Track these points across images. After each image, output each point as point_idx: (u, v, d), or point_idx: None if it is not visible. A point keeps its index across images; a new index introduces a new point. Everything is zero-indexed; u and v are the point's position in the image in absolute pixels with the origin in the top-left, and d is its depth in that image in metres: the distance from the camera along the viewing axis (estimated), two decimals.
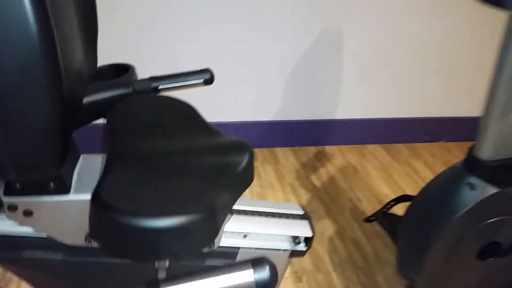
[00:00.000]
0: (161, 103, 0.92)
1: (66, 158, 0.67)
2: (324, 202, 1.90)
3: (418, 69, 2.21)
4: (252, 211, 0.93)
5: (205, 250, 0.83)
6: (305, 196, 1.91)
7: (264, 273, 0.58)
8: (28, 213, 0.68)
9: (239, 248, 0.89)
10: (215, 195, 0.67)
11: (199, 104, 1.99)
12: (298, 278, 1.51)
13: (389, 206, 1.73)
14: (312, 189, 1.96)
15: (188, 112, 0.91)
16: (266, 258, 0.60)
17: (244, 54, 2.00)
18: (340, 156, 2.25)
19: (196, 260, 0.86)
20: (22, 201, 0.67)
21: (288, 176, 2.04)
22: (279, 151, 2.23)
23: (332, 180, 2.04)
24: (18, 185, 0.65)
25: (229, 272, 0.57)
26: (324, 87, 2.17)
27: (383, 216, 1.70)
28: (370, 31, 2.06)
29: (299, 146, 2.29)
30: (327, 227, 1.76)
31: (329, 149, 2.30)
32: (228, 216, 0.88)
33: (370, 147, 2.35)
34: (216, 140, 0.82)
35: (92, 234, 0.67)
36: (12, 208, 0.67)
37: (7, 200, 0.67)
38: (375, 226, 1.76)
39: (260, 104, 2.14)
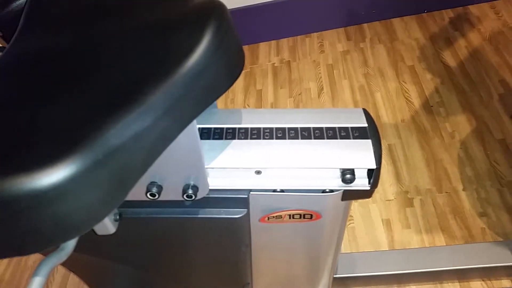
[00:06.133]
0: None
1: None
2: (459, 89, 1.40)
3: None
4: (270, 129, 0.61)
5: (184, 198, 0.57)
6: (431, 84, 1.44)
7: None
8: None
9: (249, 191, 0.60)
10: (119, 119, 0.38)
11: None
12: (408, 201, 1.16)
13: None
14: (444, 72, 1.46)
15: None
16: None
17: None
18: (492, 17, 1.61)
19: (177, 213, 0.61)
20: None
21: (409, 57, 1.55)
22: (397, 22, 1.71)
23: (476, 55, 1.49)
24: None
25: None
26: None
27: None
28: None
29: (428, 11, 1.71)
30: (460, 126, 1.30)
31: (476, 9, 1.67)
32: (219, 141, 0.59)
33: None
34: (169, 9, 0.50)
35: None
36: None
37: None
38: None
39: None
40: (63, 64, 0.47)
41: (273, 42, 1.77)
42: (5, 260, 1.25)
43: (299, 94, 1.53)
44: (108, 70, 0.44)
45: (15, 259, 1.25)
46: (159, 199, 0.56)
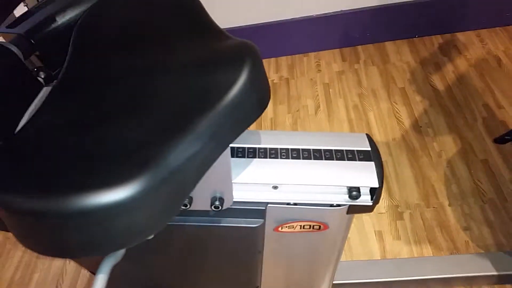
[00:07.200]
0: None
1: None
2: (446, 111, 1.51)
3: None
4: (286, 150, 0.70)
5: (212, 209, 0.65)
6: (420, 105, 1.55)
7: None
8: None
9: (266, 203, 0.69)
10: (177, 145, 0.47)
11: None
12: (398, 215, 1.26)
13: None
14: (432, 95, 1.58)
15: (186, 9, 0.68)
16: None
17: None
18: (477, 44, 1.74)
19: (202, 221, 0.70)
20: None
21: (400, 79, 1.67)
22: (389, 46, 1.83)
23: (462, 79, 1.61)
24: None
25: None
26: None
27: None
28: None
29: (419, 36, 1.84)
30: (447, 146, 1.41)
31: (463, 36, 1.80)
32: (242, 159, 0.68)
33: None
34: (208, 48, 0.59)
35: None
36: None
37: None
38: None
39: None
40: (119, 92, 0.55)
41: (272, 60, 1.87)
42: (15, 262, 1.31)
43: (297, 111, 1.62)
44: (161, 100, 0.53)
45: (24, 261, 1.31)
46: (189, 209, 0.65)
